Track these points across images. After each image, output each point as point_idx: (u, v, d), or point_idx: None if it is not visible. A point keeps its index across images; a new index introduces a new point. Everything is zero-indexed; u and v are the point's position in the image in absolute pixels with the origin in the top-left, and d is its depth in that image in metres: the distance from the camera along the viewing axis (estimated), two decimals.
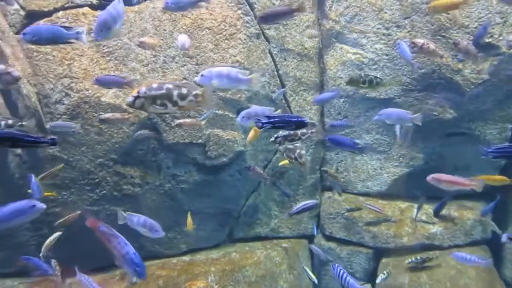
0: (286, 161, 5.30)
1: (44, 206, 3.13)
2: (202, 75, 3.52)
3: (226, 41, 4.99)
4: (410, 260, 5.17)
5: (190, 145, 4.95)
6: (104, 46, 4.62)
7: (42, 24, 4.36)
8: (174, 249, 5.35)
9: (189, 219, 4.68)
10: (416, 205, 5.42)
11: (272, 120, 3.34)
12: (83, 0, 4.64)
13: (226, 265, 5.17)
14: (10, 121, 3.74)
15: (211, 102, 3.08)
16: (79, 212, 4.66)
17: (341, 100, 5.71)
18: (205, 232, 5.43)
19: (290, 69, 5.54)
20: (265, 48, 5.27)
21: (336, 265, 3.89)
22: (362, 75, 4.47)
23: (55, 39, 3.53)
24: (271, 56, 5.35)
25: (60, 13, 4.56)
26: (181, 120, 4.64)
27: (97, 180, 4.77)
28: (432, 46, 4.60)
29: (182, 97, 2.99)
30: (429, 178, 4.47)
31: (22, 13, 4.53)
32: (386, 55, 5.35)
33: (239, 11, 5.07)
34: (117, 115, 4.45)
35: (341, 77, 5.63)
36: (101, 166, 4.75)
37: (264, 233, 5.80)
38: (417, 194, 5.45)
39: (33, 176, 4.09)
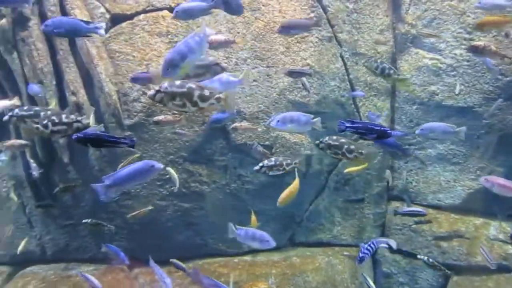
0: (352, 168, 5.21)
1: (162, 166, 3.19)
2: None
3: (297, 44, 4.97)
4: None
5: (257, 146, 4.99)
6: None
7: (62, 17, 4.39)
8: (236, 248, 5.41)
9: (253, 218, 4.69)
10: (493, 223, 5.05)
11: (355, 125, 3.26)
12: (163, 3, 4.83)
13: (286, 269, 5.15)
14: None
15: (234, 107, 3.04)
16: (150, 207, 4.87)
17: (414, 107, 5.47)
18: (267, 233, 5.43)
19: (361, 74, 5.40)
20: (336, 51, 5.18)
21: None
22: (378, 61, 4.39)
23: (75, 32, 3.60)
24: (342, 60, 5.25)
25: (141, 16, 4.79)
26: (237, 124, 4.71)
27: (167, 176, 4.95)
28: (493, 47, 4.26)
29: (203, 99, 2.96)
30: (482, 179, 4.22)
31: (107, 16, 4.82)
32: (467, 61, 5.04)
33: (312, 14, 5.02)
34: (169, 117, 4.57)
35: (415, 83, 5.39)
36: (171, 163, 4.92)
37: (326, 239, 5.70)
38: (495, 210, 5.07)
39: None
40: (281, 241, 5.57)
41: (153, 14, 4.80)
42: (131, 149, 3.44)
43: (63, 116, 3.21)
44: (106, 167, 4.92)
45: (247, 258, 5.40)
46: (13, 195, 5.21)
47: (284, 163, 4.17)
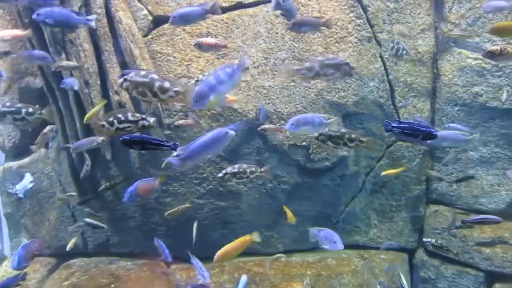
0: (390, 171, 5.12)
1: (233, 133, 3.19)
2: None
3: (336, 44, 4.93)
4: None
5: (293, 146, 4.99)
6: None
7: (55, 7, 4.28)
8: (271, 247, 5.44)
9: (290, 213, 4.68)
10: None
11: (402, 125, 3.22)
12: None
13: (322, 270, 5.12)
14: (30, 109, 3.95)
15: (191, 101, 2.94)
16: (188, 205, 4.97)
17: (456, 108, 5.32)
18: (302, 234, 5.42)
19: (401, 74, 5.30)
20: (376, 52, 5.11)
21: None
22: (395, 41, 4.35)
23: (66, 22, 3.70)
24: (382, 60, 5.16)
25: None
26: (266, 126, 4.71)
27: (204, 175, 5.04)
28: (510, 49, 4.05)
29: (163, 90, 3.00)
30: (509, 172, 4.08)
31: (150, 18, 4.94)
32: None
33: (351, 14, 4.97)
34: (189, 121, 4.63)
35: (458, 83, 5.24)
36: (209, 162, 5.00)
37: (362, 241, 5.63)
38: None
39: None
40: (316, 242, 5.54)
41: None
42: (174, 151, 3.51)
43: (129, 114, 3.30)
44: (146, 164, 5.05)
45: (282, 258, 5.40)
46: (59, 194, 5.42)
47: (248, 170, 4.11)
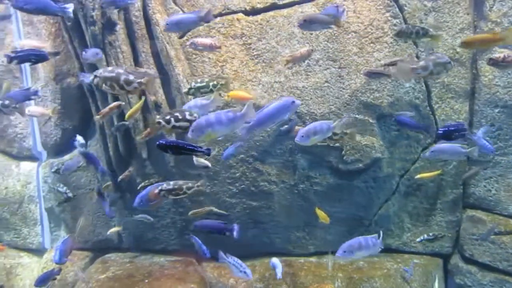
0: (425, 174, 5.01)
1: (300, 102, 3.37)
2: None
3: (371, 44, 4.87)
4: None
5: (326, 148, 4.96)
6: (253, 49, 4.90)
7: None
8: (301, 249, 5.43)
9: (323, 213, 4.65)
10: None
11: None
12: (238, 6, 4.96)
13: (353, 273, 5.08)
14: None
15: (154, 90, 3.45)
16: (212, 207, 5.05)
17: (496, 110, 5.13)
18: (333, 236, 5.39)
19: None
20: (412, 52, 4.99)
21: None
22: (410, 26, 4.21)
23: (43, 10, 3.80)
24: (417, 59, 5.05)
25: (218, 19, 4.94)
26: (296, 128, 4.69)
27: (237, 174, 5.09)
28: None
29: (128, 83, 3.33)
30: None
31: None
32: None
33: (387, 14, 4.90)
34: None
35: (498, 84, 5.06)
36: (242, 162, 5.05)
37: (395, 245, 5.53)
38: None
39: None
40: None
41: (229, 17, 4.94)
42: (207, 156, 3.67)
43: (187, 113, 3.44)
44: (180, 163, 5.16)
45: (313, 259, 5.40)
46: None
47: (184, 186, 4.10)
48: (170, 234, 5.64)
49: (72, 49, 5.09)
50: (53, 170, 5.56)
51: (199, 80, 4.15)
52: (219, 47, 4.49)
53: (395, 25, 4.89)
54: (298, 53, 4.41)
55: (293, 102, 3.25)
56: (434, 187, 5.41)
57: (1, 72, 5.75)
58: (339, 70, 4.87)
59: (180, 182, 4.14)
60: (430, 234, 5.28)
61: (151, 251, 5.73)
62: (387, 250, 5.51)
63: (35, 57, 4.12)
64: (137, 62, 4.98)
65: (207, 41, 4.43)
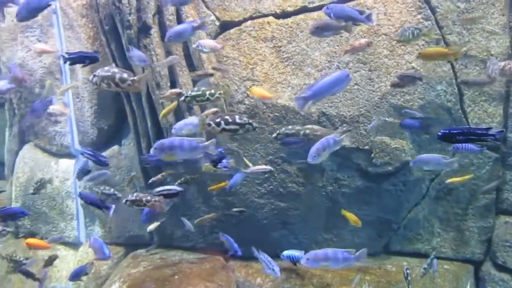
0: (456, 178, 4.93)
1: (351, 77, 3.45)
2: None
3: (402, 47, 4.84)
4: None
5: (355, 150, 4.97)
6: (283, 52, 4.96)
7: None
8: None
9: (353, 216, 4.65)
10: None
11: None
12: (269, 10, 5.04)
13: (381, 277, 5.05)
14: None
15: (144, 88, 3.79)
16: (214, 214, 5.23)
17: None
18: (361, 239, 5.38)
19: (471, 77, 5.07)
20: None
21: None
22: (408, 29, 4.11)
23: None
24: (451, 63, 4.98)
25: (249, 22, 5.05)
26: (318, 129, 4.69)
27: (266, 175, 5.16)
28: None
29: (122, 80, 3.58)
30: None
31: (217, 23, 5.16)
32: None
33: (419, 16, 4.86)
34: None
35: None
36: (270, 163, 5.11)
37: (424, 250, 5.46)
38: None
39: None
40: (376, 248, 5.47)
41: (260, 20, 5.02)
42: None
43: (237, 117, 3.63)
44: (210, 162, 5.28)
45: None
46: (128, 189, 5.80)
47: (144, 199, 4.42)
48: (199, 232, 5.77)
49: (109, 51, 5.30)
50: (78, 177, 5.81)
51: (195, 89, 4.29)
52: (222, 48, 4.70)
53: (426, 27, 4.84)
54: (357, 43, 4.33)
55: (348, 75, 3.34)
56: (466, 191, 5.32)
57: (43, 74, 6.05)
58: (369, 72, 4.87)
59: (141, 194, 4.52)
60: None
61: (180, 248, 5.88)
62: (416, 254, 5.47)
63: (88, 58, 4.35)
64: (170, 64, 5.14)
65: (211, 43, 4.60)
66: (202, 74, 4.84)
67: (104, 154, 5.92)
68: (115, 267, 5.82)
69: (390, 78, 4.86)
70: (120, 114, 5.82)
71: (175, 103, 4.75)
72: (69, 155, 6.29)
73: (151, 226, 5.44)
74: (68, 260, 6.02)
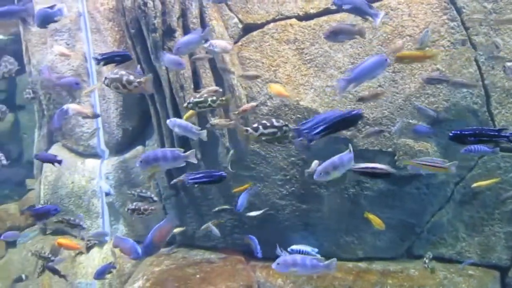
0: (481, 182, 4.83)
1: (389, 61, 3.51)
2: None
3: (426, 48, 4.77)
4: None
5: (379, 152, 4.94)
6: (306, 54, 4.98)
7: None
8: (350, 253, 5.42)
9: (377, 219, 4.62)
10: None
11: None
12: (291, 12, 5.06)
13: (404, 281, 5.00)
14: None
15: (150, 89, 3.86)
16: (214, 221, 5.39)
17: None
18: (383, 242, 5.33)
19: (498, 79, 4.96)
20: (470, 55, 4.85)
21: None
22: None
23: None
24: (477, 64, 4.89)
25: (271, 25, 5.08)
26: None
27: (288, 177, 5.19)
28: None
29: (129, 82, 3.74)
30: None
31: (240, 26, 5.21)
32: None
33: (444, 17, 4.79)
34: (223, 121, 4.99)
35: None
36: (292, 164, 5.14)
37: (448, 255, 5.36)
38: None
39: None
40: (398, 251, 5.41)
41: (282, 22, 5.05)
42: None
43: (274, 120, 3.71)
44: (232, 164, 5.34)
45: (361, 264, 5.37)
46: (153, 189, 5.92)
47: (142, 208, 5.11)
48: (220, 232, 5.82)
49: (135, 54, 5.42)
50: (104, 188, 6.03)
51: (197, 96, 4.39)
52: (231, 49, 4.77)
53: (452, 28, 4.78)
54: (397, 44, 4.44)
55: (386, 59, 3.45)
56: (492, 196, 5.19)
57: (71, 76, 6.23)
58: (393, 74, 4.83)
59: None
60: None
61: (202, 247, 5.96)
62: (440, 259, 5.38)
63: (120, 57, 4.49)
64: (194, 66, 5.22)
65: (223, 43, 4.66)
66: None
67: (129, 154, 6.11)
68: (138, 265, 5.94)
69: (414, 80, 4.82)
70: (144, 116, 5.94)
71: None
72: (95, 155, 6.46)
73: (176, 230, 5.54)
74: (94, 257, 6.17)
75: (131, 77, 3.77)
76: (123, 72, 3.81)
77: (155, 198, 5.27)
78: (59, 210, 5.17)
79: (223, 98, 4.42)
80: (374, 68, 3.43)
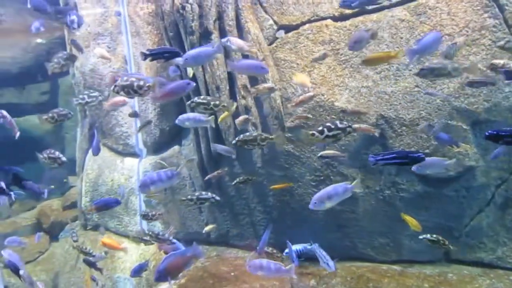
0: None
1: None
2: None
3: (466, 47, 4.66)
4: None
5: None
6: (341, 54, 4.97)
7: None
8: (385, 256, 5.35)
9: (413, 221, 4.55)
10: None
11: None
12: (327, 13, 5.07)
13: (441, 285, 4.88)
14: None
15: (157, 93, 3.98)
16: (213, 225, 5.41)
17: None
18: (420, 245, 5.20)
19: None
20: None
21: None
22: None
23: None
24: None
25: (306, 26, 5.11)
26: (356, 125, 4.61)
27: (322, 177, 5.19)
28: None
29: (140, 87, 3.84)
30: None
31: (275, 27, 5.27)
32: None
33: (485, 15, 4.65)
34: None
35: None
36: (326, 165, 5.14)
37: (488, 259, 5.19)
38: None
39: None
40: (435, 255, 5.29)
41: (317, 23, 5.07)
42: None
43: (338, 122, 3.75)
44: (266, 164, 5.40)
45: (396, 267, 5.28)
46: (188, 187, 6.06)
47: (150, 214, 5.24)
48: (254, 231, 5.91)
49: None
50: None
51: (201, 97, 4.46)
52: (249, 51, 4.83)
53: (494, 26, 4.63)
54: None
55: (441, 36, 3.90)
56: None
57: None
58: None
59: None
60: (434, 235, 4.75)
61: (236, 246, 6.05)
62: (479, 264, 5.22)
63: (168, 53, 4.55)
64: None
65: (240, 42, 4.69)
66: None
67: (166, 153, 6.29)
68: None
69: (452, 80, 4.71)
70: None
71: (233, 106, 4.91)
72: (133, 154, 6.69)
73: (207, 228, 5.66)
74: (132, 253, 6.40)
75: (141, 82, 3.88)
76: (133, 78, 3.92)
77: (217, 198, 5.13)
78: (120, 202, 5.40)
79: (225, 105, 4.49)
80: (435, 42, 3.80)
